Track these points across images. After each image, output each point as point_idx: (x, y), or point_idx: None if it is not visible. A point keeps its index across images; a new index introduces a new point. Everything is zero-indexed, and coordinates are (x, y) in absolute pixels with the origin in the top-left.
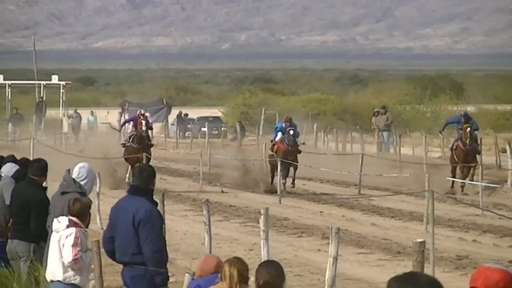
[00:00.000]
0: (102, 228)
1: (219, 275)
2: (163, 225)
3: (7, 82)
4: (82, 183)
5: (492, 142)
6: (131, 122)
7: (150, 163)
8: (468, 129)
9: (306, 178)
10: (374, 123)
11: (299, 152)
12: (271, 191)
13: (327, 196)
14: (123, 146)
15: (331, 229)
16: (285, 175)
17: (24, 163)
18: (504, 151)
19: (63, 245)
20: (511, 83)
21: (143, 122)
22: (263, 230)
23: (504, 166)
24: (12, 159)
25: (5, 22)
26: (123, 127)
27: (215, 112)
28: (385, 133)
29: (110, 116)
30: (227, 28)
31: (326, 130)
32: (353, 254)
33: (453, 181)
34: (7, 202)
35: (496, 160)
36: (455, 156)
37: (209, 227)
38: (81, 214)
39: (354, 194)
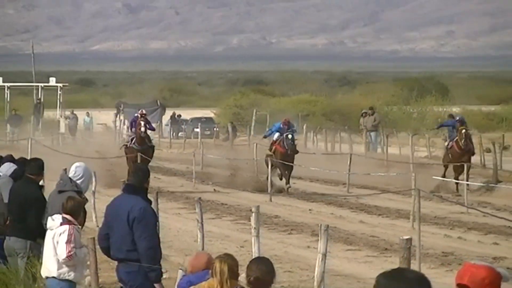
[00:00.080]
0: (98, 226)
1: (210, 271)
2: (157, 223)
3: (6, 84)
4: (78, 182)
5: (477, 142)
6: (133, 123)
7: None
8: (464, 130)
9: (296, 177)
10: (362, 123)
11: (297, 152)
12: (264, 188)
13: (317, 195)
14: (125, 148)
15: (320, 226)
16: (282, 176)
17: (22, 163)
18: (489, 150)
19: (57, 242)
20: (495, 85)
21: (142, 123)
22: (254, 228)
23: (488, 166)
24: (10, 158)
25: (5, 26)
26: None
27: (208, 113)
28: (372, 133)
29: (104, 116)
30: (220, 32)
31: (316, 130)
32: (341, 251)
33: (456, 183)
34: (5, 200)
35: (481, 160)
36: (449, 155)
37: (202, 224)
38: (74, 211)
39: (342, 193)
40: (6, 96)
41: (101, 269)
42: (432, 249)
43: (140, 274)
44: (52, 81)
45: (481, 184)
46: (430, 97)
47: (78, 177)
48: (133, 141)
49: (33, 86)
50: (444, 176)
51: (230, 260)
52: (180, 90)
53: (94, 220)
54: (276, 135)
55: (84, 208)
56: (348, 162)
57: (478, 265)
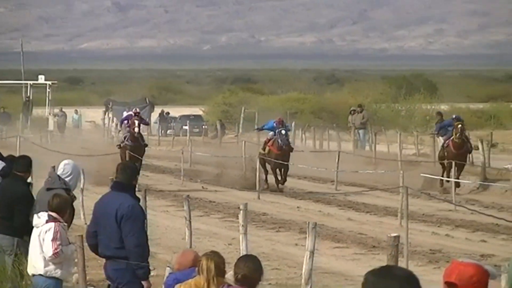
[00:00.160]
0: (86, 223)
1: (197, 268)
2: (145, 220)
3: None
4: (67, 179)
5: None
6: (126, 121)
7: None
8: (460, 125)
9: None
10: (350, 121)
11: (291, 150)
12: (252, 185)
13: (305, 192)
14: (118, 148)
15: (308, 224)
16: (277, 177)
17: (10, 160)
18: (477, 148)
19: (43, 239)
20: (483, 83)
21: (136, 122)
22: (242, 225)
23: (476, 163)
24: None
25: None
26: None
27: (197, 110)
28: (361, 131)
29: (92, 113)
30: (208, 30)
31: (304, 128)
32: (329, 248)
33: (442, 180)
34: None
35: (469, 157)
36: (445, 152)
37: (190, 222)
38: (60, 209)
39: (330, 190)
40: None
41: (89, 266)
42: (420, 246)
43: (128, 272)
44: (41, 79)
45: (479, 182)
46: (418, 95)
47: (66, 175)
48: (126, 139)
49: (22, 84)
50: (447, 175)
51: (216, 258)
52: (169, 88)
53: (82, 217)
54: (270, 134)
55: (72, 206)
56: (337, 159)
57: (465, 263)
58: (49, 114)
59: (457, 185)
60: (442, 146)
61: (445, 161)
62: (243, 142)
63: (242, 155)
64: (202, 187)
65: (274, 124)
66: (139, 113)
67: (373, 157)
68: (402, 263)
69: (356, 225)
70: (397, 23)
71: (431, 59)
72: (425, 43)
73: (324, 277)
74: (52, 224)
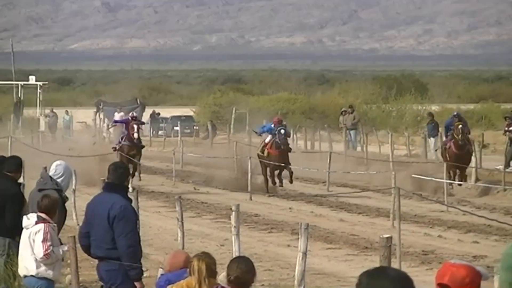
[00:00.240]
0: (78, 224)
1: (188, 269)
2: (137, 221)
3: None
4: (59, 180)
5: None
6: (123, 125)
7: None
8: (460, 126)
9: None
10: (341, 122)
11: (290, 150)
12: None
13: (297, 193)
14: (114, 150)
15: (300, 225)
16: (279, 178)
17: (0, 161)
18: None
19: (34, 241)
20: (473, 83)
21: (135, 126)
22: (234, 226)
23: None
24: None
25: None
26: (113, 127)
27: (188, 111)
28: (352, 132)
29: (83, 114)
30: (198, 30)
31: (295, 129)
32: (321, 249)
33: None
34: None
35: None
36: (447, 155)
37: (182, 223)
38: (49, 209)
39: (322, 191)
40: None
41: (82, 267)
42: (412, 247)
43: (120, 273)
44: (32, 80)
45: (483, 184)
46: (409, 95)
47: (58, 176)
48: (123, 139)
49: (12, 85)
50: (452, 178)
51: (208, 259)
52: (159, 88)
53: (75, 218)
54: (269, 137)
55: (65, 207)
56: (328, 160)
57: (458, 265)
58: (40, 115)
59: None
60: (444, 148)
61: (449, 163)
62: (235, 142)
63: (233, 155)
64: (194, 188)
65: (272, 125)
66: (136, 117)
67: (365, 158)
68: (394, 264)
69: (348, 226)
70: (387, 24)
71: (421, 60)
72: (415, 44)
73: (317, 278)
74: (41, 225)
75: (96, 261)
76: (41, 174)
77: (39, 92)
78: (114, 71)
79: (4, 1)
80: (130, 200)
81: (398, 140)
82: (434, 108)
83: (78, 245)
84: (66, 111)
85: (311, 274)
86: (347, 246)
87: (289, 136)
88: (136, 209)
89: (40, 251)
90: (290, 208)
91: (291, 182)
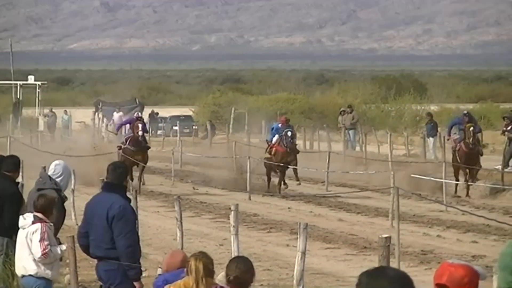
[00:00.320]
0: (77, 224)
1: (185, 269)
2: (136, 221)
3: None
4: (58, 180)
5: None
6: (128, 125)
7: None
8: (471, 128)
9: (275, 176)
10: (340, 121)
11: (298, 152)
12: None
13: (295, 193)
14: (119, 149)
15: (299, 224)
16: (282, 178)
17: (0, 160)
18: None
19: (31, 240)
20: (472, 83)
21: (140, 125)
22: (233, 226)
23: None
24: None
25: None
26: (119, 130)
27: (187, 111)
28: (351, 132)
29: (82, 114)
30: (197, 30)
31: (294, 128)
32: (320, 249)
33: (456, 185)
34: None
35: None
36: (457, 157)
37: (181, 222)
38: (45, 209)
39: (321, 191)
40: None
41: (81, 267)
42: (411, 247)
43: (119, 272)
44: (31, 79)
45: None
46: (408, 95)
47: (57, 175)
48: (128, 142)
49: (11, 84)
50: (457, 179)
51: (205, 258)
52: (158, 88)
53: (73, 218)
54: (275, 138)
55: (64, 206)
56: (327, 160)
57: (456, 264)
58: (39, 114)
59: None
60: (453, 150)
61: (458, 164)
62: (234, 142)
63: (232, 155)
64: (193, 187)
65: (279, 125)
66: (141, 117)
67: (364, 158)
68: (393, 264)
69: (347, 225)
70: (386, 24)
71: (420, 59)
72: (414, 44)
73: (316, 278)
74: (38, 225)
75: (95, 260)
76: (40, 173)
77: (38, 92)
78: (113, 71)
79: (4, 1)
80: (129, 200)
81: (397, 140)
82: (433, 108)
83: (77, 244)
84: (65, 110)
85: (310, 273)
86: (346, 245)
87: (295, 137)
88: (135, 209)
89: (38, 251)
90: (289, 208)
91: (297, 181)
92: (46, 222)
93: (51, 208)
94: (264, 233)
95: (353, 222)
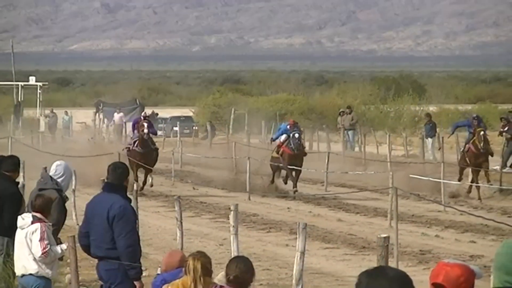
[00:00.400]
0: (78, 224)
1: (184, 269)
2: (137, 221)
3: None
4: (59, 180)
5: (454, 141)
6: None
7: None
8: (482, 132)
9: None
10: (339, 122)
11: (305, 154)
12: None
13: (295, 193)
14: (127, 151)
15: (299, 224)
16: (288, 179)
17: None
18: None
19: (31, 240)
20: (470, 84)
21: (145, 124)
22: (233, 226)
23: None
24: None
25: None
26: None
27: (187, 112)
28: (350, 132)
29: (82, 115)
30: (197, 31)
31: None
32: (319, 249)
33: (470, 186)
34: None
35: (458, 158)
36: (466, 158)
37: (181, 222)
38: (43, 209)
39: (320, 191)
40: None
41: (81, 266)
42: (410, 247)
43: (119, 272)
44: (32, 80)
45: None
46: (407, 96)
47: (58, 175)
48: (135, 144)
49: (13, 85)
50: (460, 179)
51: (203, 258)
52: (158, 89)
53: (74, 218)
54: (283, 137)
55: (65, 207)
56: (326, 160)
57: (452, 264)
58: (40, 115)
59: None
60: (462, 151)
61: (468, 166)
62: (233, 143)
63: (232, 156)
64: (193, 188)
65: (288, 127)
66: (148, 117)
67: (363, 158)
68: (392, 264)
69: (346, 225)
70: (385, 25)
71: (419, 60)
72: (413, 45)
73: (315, 278)
74: (38, 225)
75: (96, 260)
76: (41, 174)
77: (39, 93)
78: (114, 72)
79: (4, 2)
80: (130, 200)
81: (396, 141)
82: (432, 109)
83: (77, 244)
84: (66, 111)
85: (309, 273)
86: (345, 245)
87: (302, 139)
88: (135, 209)
89: (38, 250)
90: (288, 208)
91: (295, 188)
92: (45, 222)
93: (49, 208)
94: (264, 233)
95: (352, 222)
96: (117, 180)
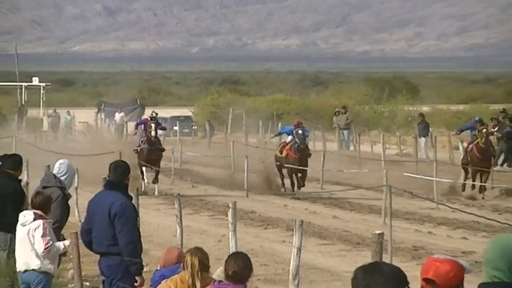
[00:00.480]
0: (80, 221)
1: (182, 264)
2: (138, 218)
3: None
4: (62, 178)
5: (446, 140)
6: (142, 126)
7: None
8: (484, 130)
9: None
10: (335, 122)
11: (309, 155)
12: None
13: (291, 191)
14: (135, 152)
15: (295, 221)
16: (293, 181)
17: (3, 159)
18: (457, 148)
19: (33, 236)
20: (462, 85)
21: (153, 125)
22: (231, 223)
23: (457, 162)
24: None
25: None
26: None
27: (186, 112)
28: (345, 132)
29: (84, 115)
30: (196, 33)
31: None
32: (315, 245)
33: (473, 185)
34: None
35: (450, 157)
36: (468, 157)
37: (181, 219)
38: (43, 206)
39: (316, 189)
40: None
41: (84, 262)
42: (403, 243)
43: (121, 268)
44: (35, 81)
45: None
46: (400, 96)
47: (62, 174)
48: (143, 142)
49: (16, 86)
50: (465, 179)
51: (200, 254)
52: (158, 89)
53: (77, 215)
54: (289, 138)
55: (68, 204)
56: (322, 159)
57: (441, 259)
58: (43, 115)
59: (483, 190)
60: (465, 150)
61: (469, 167)
62: (232, 142)
63: (230, 155)
64: (192, 186)
65: (293, 127)
66: (155, 117)
67: (357, 157)
68: (386, 260)
69: (341, 222)
70: (379, 27)
71: (412, 62)
72: (406, 46)
73: (311, 273)
74: (40, 221)
75: (98, 256)
76: (45, 172)
77: (42, 93)
78: (115, 73)
79: (9, 5)
80: (131, 198)
81: (390, 140)
82: (425, 109)
83: (80, 241)
84: (68, 111)
85: (306, 269)
86: (340, 242)
87: (307, 136)
88: (136, 206)
89: (41, 246)
90: (285, 205)
91: (299, 187)
92: (46, 218)
93: (49, 205)
94: (261, 229)
95: (347, 219)
96: (118, 178)
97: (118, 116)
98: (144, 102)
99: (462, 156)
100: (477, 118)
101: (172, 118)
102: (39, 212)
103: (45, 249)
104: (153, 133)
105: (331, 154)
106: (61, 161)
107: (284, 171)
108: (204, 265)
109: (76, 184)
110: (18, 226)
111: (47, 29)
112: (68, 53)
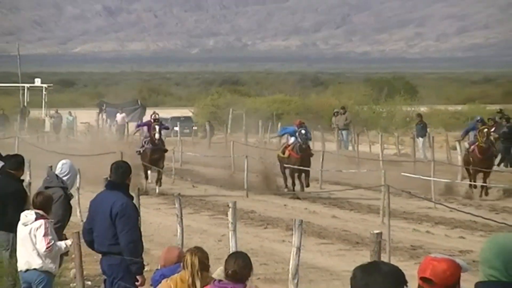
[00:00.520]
0: (82, 220)
1: (182, 264)
2: (139, 218)
3: None
4: (64, 178)
5: (444, 140)
6: (145, 127)
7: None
8: (485, 130)
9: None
10: (334, 122)
11: (311, 155)
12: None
13: (291, 191)
14: (138, 154)
15: (295, 221)
16: (294, 181)
17: (5, 159)
18: (454, 148)
19: (35, 236)
20: (461, 85)
21: (157, 127)
22: (231, 222)
23: (454, 162)
24: None
25: None
26: (138, 131)
27: (186, 112)
28: (344, 132)
29: (85, 115)
30: (196, 34)
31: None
32: (315, 245)
33: (475, 185)
34: None
35: (447, 157)
36: (470, 157)
37: (181, 219)
38: (44, 206)
39: (315, 189)
40: None
41: (86, 261)
42: (401, 242)
43: (122, 267)
44: (38, 82)
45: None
46: (399, 97)
47: (64, 174)
48: (146, 143)
49: (19, 87)
50: (470, 180)
51: (200, 253)
52: (158, 90)
53: (79, 215)
54: (292, 139)
55: (70, 204)
56: (321, 159)
57: (438, 258)
58: (45, 115)
59: (486, 192)
60: (467, 150)
61: (471, 167)
62: (231, 142)
63: (230, 155)
64: (193, 185)
65: (296, 127)
66: (158, 119)
67: (356, 157)
68: (384, 259)
69: (340, 222)
70: (379, 27)
71: (411, 62)
72: (405, 47)
73: (310, 272)
74: (42, 221)
75: (100, 255)
76: (47, 172)
77: (44, 94)
78: (115, 73)
79: (9, 5)
80: (132, 197)
81: (388, 140)
82: (423, 109)
83: (82, 240)
84: (69, 112)
85: (305, 268)
86: (339, 241)
87: (310, 139)
88: (137, 206)
89: (43, 245)
90: (285, 205)
91: (303, 188)
92: (47, 218)
93: (50, 205)
94: (261, 229)
95: (346, 218)
96: (119, 179)
97: (119, 116)
98: (144, 103)
99: (462, 156)
100: (478, 118)
101: (173, 119)
102: (40, 212)
103: (47, 248)
104: (157, 135)
105: (330, 154)
106: (63, 161)
107: (287, 171)
108: (204, 264)
109: (78, 184)
110: (20, 226)
111: (47, 29)
112: (69, 54)
